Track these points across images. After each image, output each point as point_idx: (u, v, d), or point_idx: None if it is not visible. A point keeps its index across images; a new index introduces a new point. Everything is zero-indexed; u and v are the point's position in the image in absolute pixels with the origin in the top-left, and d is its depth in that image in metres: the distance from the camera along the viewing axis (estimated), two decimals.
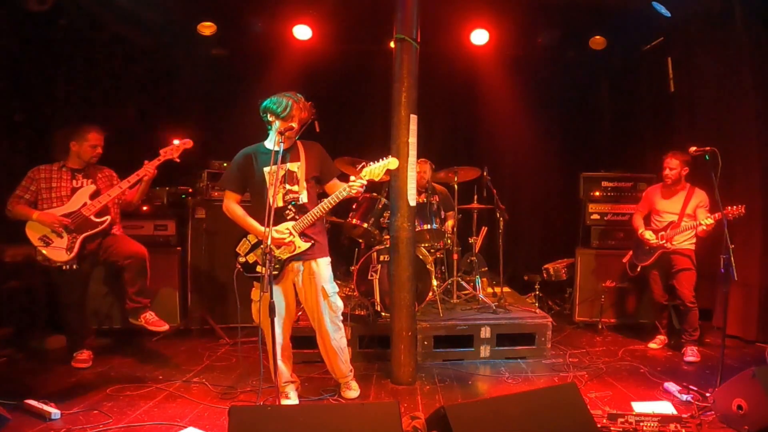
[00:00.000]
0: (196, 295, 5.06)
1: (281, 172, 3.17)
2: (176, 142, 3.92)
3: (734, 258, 3.42)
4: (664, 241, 4.39)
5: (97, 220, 3.88)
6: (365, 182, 3.13)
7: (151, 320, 3.95)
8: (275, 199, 3.11)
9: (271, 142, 3.20)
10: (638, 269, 4.63)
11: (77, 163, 4.00)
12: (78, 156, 3.97)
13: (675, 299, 4.51)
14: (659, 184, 4.62)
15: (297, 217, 3.17)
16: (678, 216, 4.39)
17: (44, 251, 3.77)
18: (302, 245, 3.18)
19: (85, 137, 3.94)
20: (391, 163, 3.18)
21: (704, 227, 4.12)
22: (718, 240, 3.59)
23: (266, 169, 3.16)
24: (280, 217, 3.16)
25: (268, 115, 3.14)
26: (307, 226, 3.18)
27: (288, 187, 3.21)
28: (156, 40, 5.62)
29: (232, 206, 3.24)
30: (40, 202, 3.87)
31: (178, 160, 3.91)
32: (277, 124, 3.11)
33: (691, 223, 4.24)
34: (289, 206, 3.19)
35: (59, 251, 3.77)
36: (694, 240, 4.40)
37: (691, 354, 4.26)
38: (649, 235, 4.48)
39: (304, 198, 3.22)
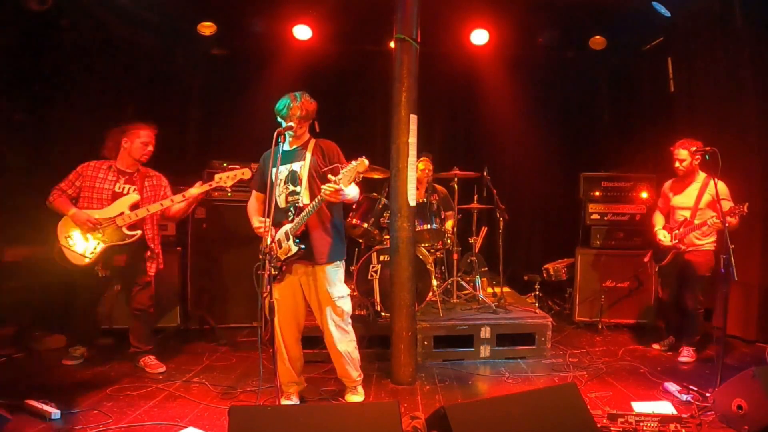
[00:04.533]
0: (196, 296, 5.06)
1: (286, 172, 3.20)
2: (229, 174, 3.69)
3: (734, 258, 3.40)
4: (676, 241, 4.19)
5: (128, 233, 3.79)
6: (337, 188, 2.93)
7: (149, 363, 3.97)
8: (279, 199, 3.18)
9: (287, 143, 3.25)
10: (656, 268, 4.47)
11: (126, 163, 3.91)
12: (129, 154, 3.89)
13: (682, 301, 4.35)
14: (675, 178, 4.39)
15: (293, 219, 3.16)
16: (691, 211, 4.15)
17: (65, 251, 3.73)
18: (293, 248, 3.10)
19: (137, 134, 3.86)
20: (359, 165, 2.94)
21: (715, 224, 3.89)
22: (719, 240, 3.59)
23: (273, 169, 3.13)
24: (284, 217, 3.17)
25: (277, 116, 3.16)
26: (300, 228, 3.11)
27: (291, 187, 3.21)
28: (156, 40, 5.62)
29: (250, 204, 3.37)
30: (81, 199, 3.83)
31: (229, 191, 3.80)
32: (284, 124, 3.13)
33: (706, 219, 3.98)
34: (291, 208, 3.18)
35: (80, 255, 3.74)
36: (713, 239, 4.14)
37: (686, 354, 4.24)
38: (662, 235, 4.27)
39: (305, 199, 3.17)
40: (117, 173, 3.89)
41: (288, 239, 3.12)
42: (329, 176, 3.00)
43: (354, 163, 2.95)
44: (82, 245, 3.75)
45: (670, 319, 4.63)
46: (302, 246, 3.12)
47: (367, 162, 2.96)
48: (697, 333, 4.31)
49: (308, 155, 3.22)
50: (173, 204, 3.84)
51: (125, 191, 3.88)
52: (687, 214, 4.20)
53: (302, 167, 3.21)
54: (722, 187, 3.97)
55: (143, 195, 3.90)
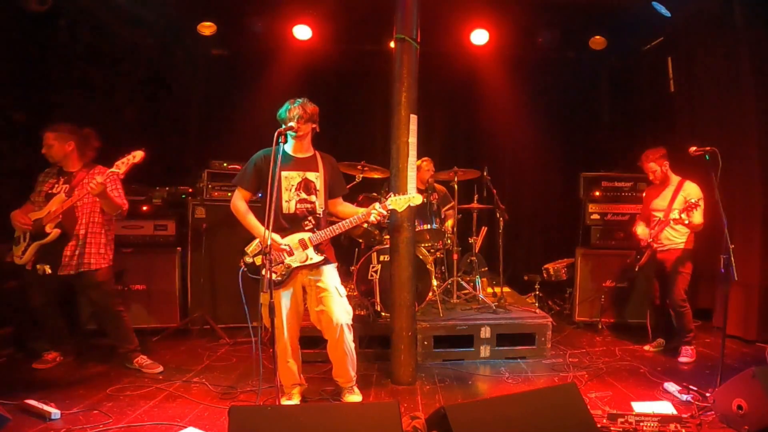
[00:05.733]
0: (196, 295, 5.05)
1: (298, 179, 3.21)
2: (123, 160, 3.58)
3: (734, 258, 3.40)
4: (650, 239, 4.31)
5: (47, 231, 3.78)
6: (387, 213, 3.25)
7: (144, 363, 3.96)
8: (289, 205, 3.18)
9: (290, 146, 3.24)
10: (636, 269, 4.53)
11: (66, 164, 3.90)
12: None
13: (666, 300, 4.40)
14: (652, 185, 4.54)
15: (315, 230, 3.20)
16: (664, 212, 4.26)
17: (13, 250, 3.85)
18: (315, 257, 3.19)
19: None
20: (414, 199, 3.31)
21: (676, 219, 3.99)
22: (718, 240, 3.59)
23: (283, 173, 3.16)
24: (294, 224, 3.19)
25: (281, 124, 3.16)
26: (325, 240, 3.21)
27: (304, 195, 3.22)
28: (156, 40, 5.62)
29: (238, 203, 3.24)
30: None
31: (122, 176, 3.67)
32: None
33: (672, 217, 4.07)
34: (309, 217, 3.22)
35: (17, 255, 3.84)
36: (685, 239, 4.25)
37: (685, 354, 4.23)
38: (640, 230, 4.42)
39: (321, 209, 3.25)
40: (58, 174, 3.90)
41: (306, 247, 3.16)
42: (376, 204, 3.23)
43: (411, 195, 3.31)
44: (20, 245, 3.84)
45: (656, 320, 4.63)
46: (324, 256, 3.21)
47: (421, 199, 3.37)
48: (689, 330, 4.30)
49: (321, 167, 3.29)
50: (76, 199, 3.74)
51: (60, 191, 3.85)
52: (661, 215, 4.31)
53: (318, 178, 3.26)
54: (695, 189, 4.18)
55: (76, 193, 3.79)
